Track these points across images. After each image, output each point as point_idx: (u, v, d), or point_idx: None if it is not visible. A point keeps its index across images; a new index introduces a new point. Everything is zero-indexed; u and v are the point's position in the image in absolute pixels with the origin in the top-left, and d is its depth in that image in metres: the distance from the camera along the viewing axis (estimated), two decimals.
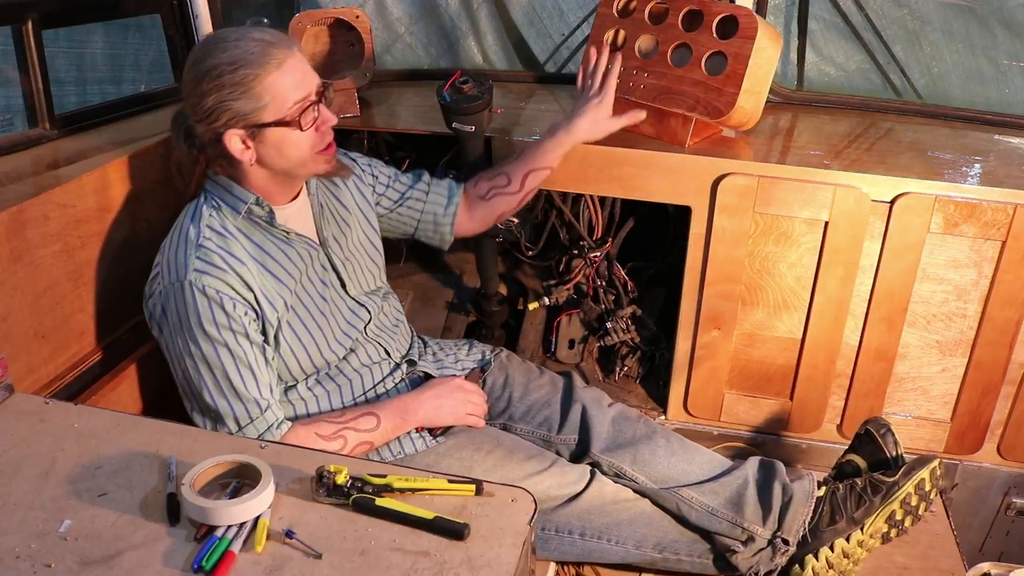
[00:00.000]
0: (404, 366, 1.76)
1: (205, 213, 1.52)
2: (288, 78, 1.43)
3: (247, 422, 1.49)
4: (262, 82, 1.42)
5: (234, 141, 1.46)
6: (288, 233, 1.58)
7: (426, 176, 1.88)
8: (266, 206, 1.54)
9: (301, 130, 1.46)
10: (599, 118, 1.81)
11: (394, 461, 1.62)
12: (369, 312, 1.72)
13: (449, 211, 1.86)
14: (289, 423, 1.54)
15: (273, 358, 1.55)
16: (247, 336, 1.49)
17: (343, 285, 1.69)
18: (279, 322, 1.54)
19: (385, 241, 1.85)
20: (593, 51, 1.87)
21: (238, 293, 1.48)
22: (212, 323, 1.46)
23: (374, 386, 1.70)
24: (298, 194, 1.62)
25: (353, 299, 1.70)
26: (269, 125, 1.44)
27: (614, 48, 1.95)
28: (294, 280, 1.58)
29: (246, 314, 1.49)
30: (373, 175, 1.83)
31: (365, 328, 1.71)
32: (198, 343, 1.46)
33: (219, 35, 1.48)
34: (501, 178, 1.85)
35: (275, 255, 1.56)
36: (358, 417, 1.58)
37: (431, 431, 1.68)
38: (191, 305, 1.45)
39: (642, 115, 1.87)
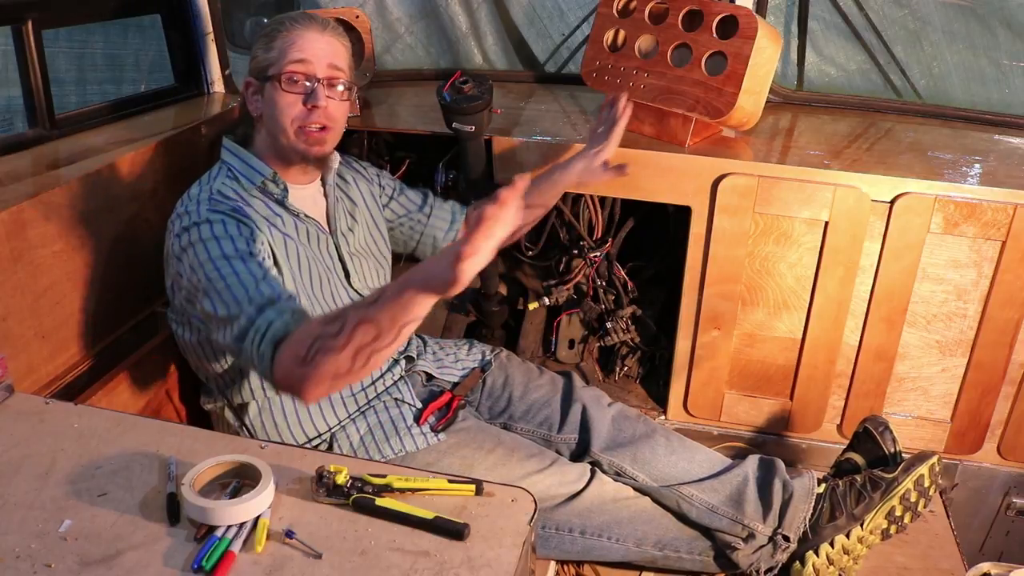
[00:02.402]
0: (403, 362, 1.76)
1: (220, 180, 1.55)
2: (300, 41, 1.51)
3: (266, 303, 1.35)
4: (280, 36, 1.52)
5: (249, 88, 1.56)
6: (299, 214, 1.60)
7: (430, 197, 1.90)
8: (281, 183, 1.57)
9: (282, 89, 1.50)
10: (593, 167, 1.82)
11: (395, 459, 1.62)
12: None
13: (450, 235, 1.88)
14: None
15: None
16: (268, 256, 1.46)
17: (347, 276, 1.69)
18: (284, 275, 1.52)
19: None
20: (612, 98, 1.84)
21: (253, 232, 1.46)
22: (231, 238, 1.41)
23: (373, 383, 1.70)
24: (313, 180, 1.64)
25: (355, 291, 1.70)
26: (266, 77, 1.52)
27: (614, 50, 1.95)
28: (303, 246, 1.59)
29: (263, 245, 1.47)
30: (380, 185, 1.85)
31: None
32: (220, 248, 1.40)
33: None
34: None
35: (286, 224, 1.57)
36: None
37: (432, 428, 1.68)
38: (217, 226, 1.42)
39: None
